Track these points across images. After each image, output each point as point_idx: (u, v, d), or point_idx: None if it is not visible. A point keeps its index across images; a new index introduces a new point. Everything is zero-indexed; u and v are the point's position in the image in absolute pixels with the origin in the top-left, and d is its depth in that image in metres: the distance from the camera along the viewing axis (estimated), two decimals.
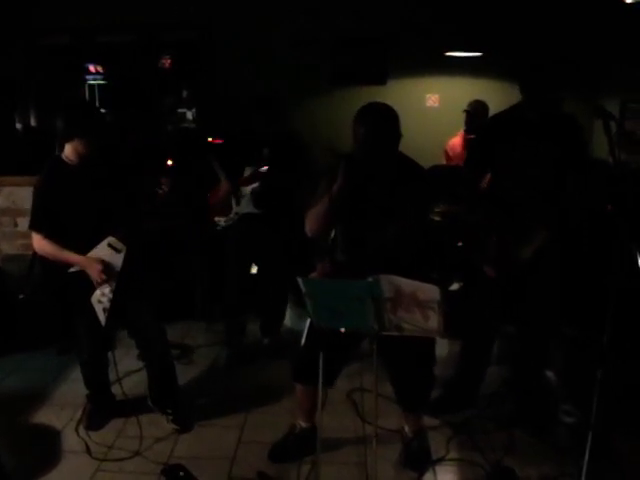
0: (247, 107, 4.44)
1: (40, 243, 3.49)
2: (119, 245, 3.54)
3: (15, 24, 6.46)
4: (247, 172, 4.46)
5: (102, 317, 3.54)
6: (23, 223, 4.99)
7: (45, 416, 3.98)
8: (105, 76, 7.10)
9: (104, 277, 3.47)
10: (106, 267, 3.48)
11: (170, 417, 3.84)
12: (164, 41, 6.83)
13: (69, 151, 3.47)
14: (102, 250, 3.52)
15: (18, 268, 4.96)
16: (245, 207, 4.51)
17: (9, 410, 4.02)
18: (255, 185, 4.44)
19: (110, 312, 3.54)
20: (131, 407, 3.92)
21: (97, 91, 7.09)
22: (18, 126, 6.91)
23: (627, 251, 2.64)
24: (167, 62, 6.99)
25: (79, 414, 3.94)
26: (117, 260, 3.54)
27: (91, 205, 3.48)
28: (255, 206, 4.48)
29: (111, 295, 3.52)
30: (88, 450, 3.60)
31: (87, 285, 3.51)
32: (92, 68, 7.08)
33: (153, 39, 6.72)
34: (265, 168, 4.37)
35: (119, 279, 3.54)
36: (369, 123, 3.01)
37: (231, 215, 4.58)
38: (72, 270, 3.50)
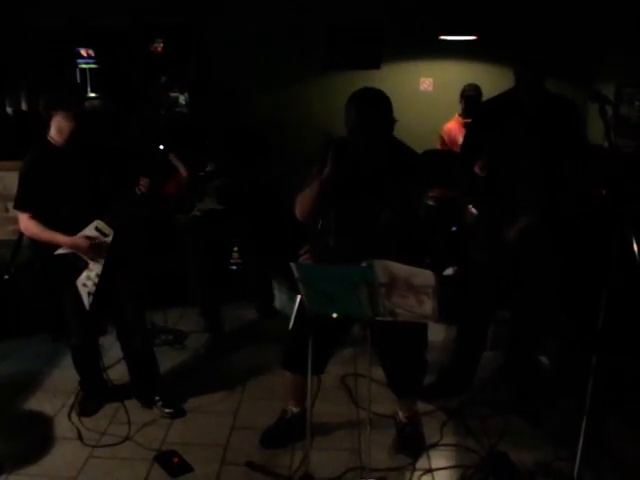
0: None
1: (26, 223, 3.47)
2: (107, 229, 3.53)
3: (5, 7, 6.39)
4: (209, 167, 4.50)
5: (86, 301, 3.53)
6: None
7: (38, 402, 3.97)
8: (97, 60, 7.04)
9: (93, 253, 3.48)
10: (93, 245, 3.48)
11: (159, 403, 3.84)
12: (156, 25, 6.77)
13: (54, 131, 3.45)
14: (89, 233, 3.51)
15: (9, 254, 4.92)
16: (209, 203, 4.53)
17: (1, 396, 4.01)
18: (218, 182, 4.47)
19: (95, 296, 3.53)
20: (124, 393, 3.91)
21: (89, 75, 7.02)
22: (9, 110, 6.85)
23: (622, 236, 2.64)
24: (159, 47, 6.93)
25: (72, 400, 3.93)
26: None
27: (78, 187, 3.46)
28: (219, 202, 4.51)
29: (97, 279, 3.52)
30: (80, 436, 3.59)
31: (73, 268, 3.50)
32: (84, 52, 7.01)
33: (145, 24, 6.66)
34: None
35: (105, 263, 3.54)
36: (360, 108, 3.01)
37: (194, 212, 4.58)
38: (58, 252, 3.49)
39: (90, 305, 3.53)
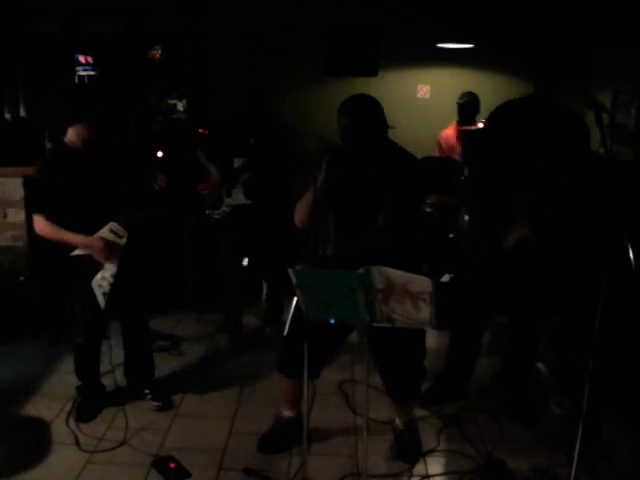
0: (233, 99, 4.51)
1: (41, 225, 3.50)
2: (121, 231, 3.58)
3: (2, 12, 6.40)
4: (236, 163, 4.51)
5: (102, 301, 3.58)
6: (13, 214, 4.95)
7: (35, 408, 3.96)
8: (95, 67, 7.06)
9: (107, 254, 3.51)
10: (108, 246, 3.52)
11: (149, 396, 3.90)
12: (153, 30, 6.80)
13: (72, 135, 3.50)
14: (105, 235, 3.55)
15: (8, 260, 4.93)
16: (236, 198, 4.54)
17: None
18: (246, 176, 4.48)
19: (110, 296, 3.58)
20: (122, 398, 3.91)
21: (87, 82, 7.04)
22: (7, 117, 6.86)
23: (617, 242, 2.65)
24: (157, 53, 6.96)
25: (69, 406, 3.93)
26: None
27: (94, 190, 3.50)
28: (246, 196, 4.51)
29: (112, 279, 3.56)
30: (78, 442, 3.59)
31: (88, 269, 3.54)
32: (82, 59, 7.03)
33: (142, 28, 6.68)
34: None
35: (119, 264, 3.58)
36: (348, 115, 3.04)
37: (223, 207, 4.62)
38: (74, 254, 3.51)
39: (105, 305, 3.58)
